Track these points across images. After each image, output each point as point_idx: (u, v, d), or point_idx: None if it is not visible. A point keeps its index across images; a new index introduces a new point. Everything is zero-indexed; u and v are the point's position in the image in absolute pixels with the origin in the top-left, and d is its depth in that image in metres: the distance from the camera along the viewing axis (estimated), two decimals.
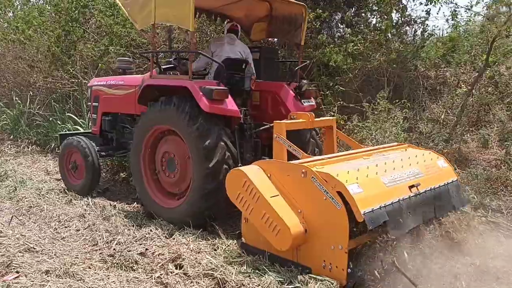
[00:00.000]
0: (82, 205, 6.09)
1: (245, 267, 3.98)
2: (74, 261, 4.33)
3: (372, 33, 8.30)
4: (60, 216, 5.67)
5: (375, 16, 9.21)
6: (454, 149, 7.05)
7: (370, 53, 8.26)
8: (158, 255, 4.36)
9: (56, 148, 9.15)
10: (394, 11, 8.45)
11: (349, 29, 8.95)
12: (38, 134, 10.42)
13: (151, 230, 4.99)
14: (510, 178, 6.19)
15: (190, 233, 4.86)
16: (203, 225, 5.07)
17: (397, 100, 7.45)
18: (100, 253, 4.58)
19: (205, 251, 4.43)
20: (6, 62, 12.05)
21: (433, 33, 8.84)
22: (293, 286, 3.67)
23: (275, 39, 8.38)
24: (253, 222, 4.07)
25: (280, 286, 3.70)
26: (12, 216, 5.60)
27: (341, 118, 7.53)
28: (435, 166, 4.71)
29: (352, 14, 8.92)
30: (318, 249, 3.80)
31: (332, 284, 3.61)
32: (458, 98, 7.95)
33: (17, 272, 4.06)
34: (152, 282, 3.93)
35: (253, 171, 4.12)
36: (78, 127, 9.17)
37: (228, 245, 4.58)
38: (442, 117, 7.79)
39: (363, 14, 9.14)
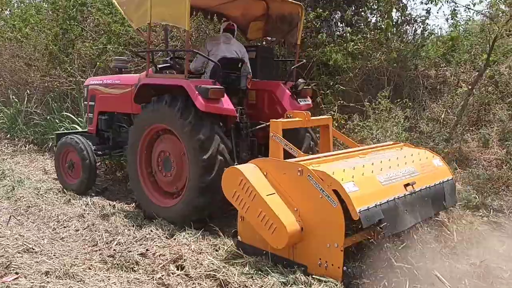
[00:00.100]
0: (81, 205, 6.03)
1: (247, 268, 3.95)
2: (74, 261, 4.29)
3: (373, 32, 8.27)
4: (59, 216, 5.62)
5: (375, 15, 9.19)
6: (454, 149, 7.04)
7: (370, 52, 8.23)
8: (159, 255, 4.31)
9: (54, 147, 9.07)
10: (394, 10, 8.42)
11: (349, 28, 8.93)
12: (35, 133, 10.34)
13: (151, 231, 4.94)
14: (511, 178, 6.17)
15: (191, 234, 4.82)
16: (201, 223, 5.06)
17: (398, 100, 7.43)
18: (100, 254, 4.53)
19: (207, 252, 4.39)
20: (3, 60, 11.96)
21: (433, 32, 8.82)
22: (296, 287, 3.64)
23: (273, 39, 8.37)
24: (249, 220, 4.09)
25: (283, 287, 3.67)
26: (10, 216, 5.55)
27: (341, 117, 7.50)
28: (430, 165, 4.75)
29: (352, 13, 8.88)
30: (314, 247, 3.82)
31: (336, 285, 3.59)
32: (458, 98, 7.94)
33: (17, 273, 4.00)
34: (154, 283, 3.88)
35: (249, 170, 4.13)
36: (76, 126, 9.10)
37: (230, 246, 4.53)
38: (442, 116, 7.78)
39: (362, 13, 9.11)
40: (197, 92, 4.95)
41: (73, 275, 3.97)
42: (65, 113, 9.75)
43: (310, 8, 8.80)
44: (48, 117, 10.12)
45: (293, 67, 6.15)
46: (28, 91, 11.06)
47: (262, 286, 3.68)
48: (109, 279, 3.96)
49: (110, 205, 6.04)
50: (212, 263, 4.05)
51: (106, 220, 5.46)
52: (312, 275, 3.71)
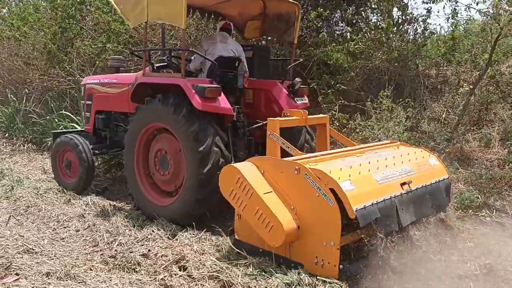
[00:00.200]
0: (81, 204, 5.98)
1: (251, 269, 3.91)
2: (75, 262, 4.24)
3: (373, 31, 8.24)
4: (59, 216, 5.57)
5: (375, 14, 9.16)
6: (456, 149, 7.02)
7: (371, 52, 8.20)
8: (161, 256, 4.26)
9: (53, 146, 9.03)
10: (396, 9, 8.40)
11: (349, 27, 8.90)
12: (34, 132, 10.27)
13: (153, 231, 4.90)
14: None
15: (193, 234, 4.78)
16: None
17: (400, 100, 7.41)
18: (101, 254, 4.48)
19: (209, 252, 4.35)
20: (1, 59, 11.90)
21: (434, 31, 8.81)
22: None
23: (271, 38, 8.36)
24: (246, 218, 4.10)
25: None
26: (10, 216, 5.49)
27: (343, 117, 7.47)
28: (426, 164, 4.77)
29: (352, 12, 8.85)
30: (310, 246, 3.83)
31: (341, 286, 3.56)
32: (459, 97, 7.93)
33: (17, 274, 3.96)
34: (156, 285, 3.84)
35: (247, 168, 4.14)
36: (75, 125, 9.06)
37: (232, 246, 4.49)
38: (443, 116, 7.77)
39: (363, 13, 9.09)
40: (194, 91, 4.97)
41: (74, 276, 3.92)
42: (64, 112, 9.70)
43: (310, 7, 8.77)
44: (48, 117, 10.04)
45: (289, 66, 6.17)
46: (27, 90, 10.99)
47: (266, 287, 3.64)
48: (110, 280, 3.92)
49: (110, 205, 6.00)
50: (215, 264, 4.01)
51: (106, 220, 5.41)
52: (317, 276, 3.68)
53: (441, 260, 4.11)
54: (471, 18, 9.10)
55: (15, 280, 3.85)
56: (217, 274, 3.85)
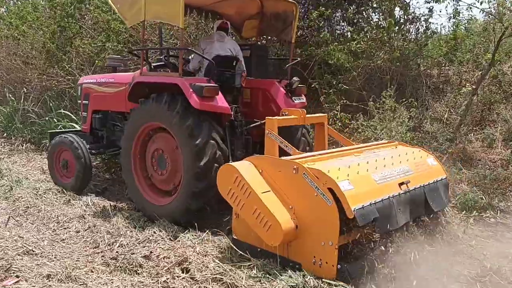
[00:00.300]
0: (81, 205, 5.92)
1: (255, 271, 3.86)
2: (76, 264, 4.18)
3: (375, 31, 8.20)
4: (58, 217, 5.49)
5: (377, 14, 9.11)
6: (459, 149, 6.98)
7: (373, 52, 8.16)
8: (163, 258, 4.19)
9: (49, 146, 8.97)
10: (398, 8, 8.35)
11: (350, 27, 8.85)
12: (33, 132, 10.18)
13: (154, 232, 4.84)
14: None
15: (195, 236, 4.72)
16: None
17: (403, 99, 7.37)
18: (102, 256, 4.42)
19: (212, 254, 4.29)
20: (0, 58, 11.80)
21: (436, 31, 8.77)
22: None
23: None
24: (244, 217, 4.09)
25: None
26: (9, 217, 5.42)
27: (345, 117, 7.42)
28: (424, 164, 4.78)
29: (353, 11, 8.80)
30: (308, 245, 3.83)
31: None
32: (461, 97, 7.90)
33: (17, 276, 3.89)
34: (158, 287, 3.78)
35: (245, 167, 4.13)
36: (74, 125, 8.98)
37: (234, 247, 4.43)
38: (446, 116, 7.73)
39: (364, 12, 9.04)
40: (191, 90, 4.95)
41: (75, 278, 3.86)
42: (63, 111, 9.62)
43: (312, 7, 8.72)
44: (47, 118, 9.95)
45: (287, 65, 6.15)
46: (25, 90, 10.91)
47: None
48: (112, 282, 3.86)
49: (110, 205, 5.94)
50: (218, 266, 3.96)
51: (107, 221, 5.35)
52: (323, 279, 3.64)
53: (444, 261, 4.07)
54: (473, 17, 9.09)
55: (16, 282, 3.79)
56: (221, 277, 3.80)
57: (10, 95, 11.09)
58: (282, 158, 4.22)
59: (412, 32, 8.79)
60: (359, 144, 5.49)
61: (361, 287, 3.70)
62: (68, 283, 3.80)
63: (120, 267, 4.14)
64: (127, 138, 5.70)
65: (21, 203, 5.97)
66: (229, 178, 4.10)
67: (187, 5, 5.44)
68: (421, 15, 8.56)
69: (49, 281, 3.82)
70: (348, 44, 8.04)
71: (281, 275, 3.74)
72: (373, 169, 4.15)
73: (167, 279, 3.86)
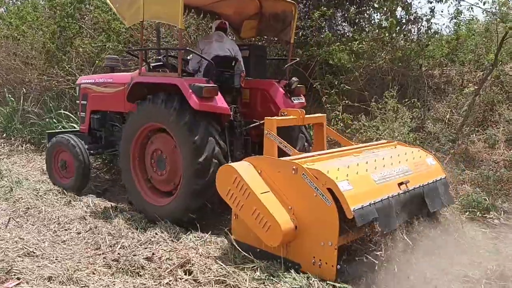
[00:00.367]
0: (82, 206, 5.87)
1: (258, 273, 3.82)
2: (77, 266, 4.13)
3: (377, 31, 8.17)
4: (59, 218, 5.44)
5: (378, 14, 9.09)
6: (461, 150, 6.96)
7: (374, 52, 8.13)
8: (166, 260, 4.16)
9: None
10: (400, 9, 8.33)
11: (351, 27, 8.82)
12: (32, 133, 10.13)
13: (156, 234, 4.80)
14: None
15: (197, 237, 4.69)
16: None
17: (406, 100, 7.34)
18: (104, 258, 4.36)
19: (215, 256, 4.26)
20: None
21: (438, 31, 8.74)
22: None
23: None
24: (243, 218, 4.08)
25: None
26: (10, 218, 5.37)
27: (347, 117, 7.39)
28: (424, 164, 4.78)
29: (355, 11, 8.77)
30: (308, 246, 3.82)
31: None
32: (462, 98, 7.87)
33: (18, 278, 3.84)
34: None
35: (244, 167, 4.12)
36: (74, 125, 8.94)
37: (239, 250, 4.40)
38: (447, 116, 7.71)
39: (365, 12, 9.01)
40: (191, 91, 4.93)
41: (77, 280, 3.82)
42: (63, 111, 9.58)
43: (312, 7, 8.69)
44: (47, 120, 9.90)
45: (286, 66, 6.14)
46: (25, 90, 10.86)
47: None
48: (114, 284, 3.82)
49: (111, 206, 5.90)
50: (221, 268, 3.93)
51: (108, 222, 5.30)
52: (327, 281, 3.61)
53: (447, 262, 4.04)
54: (474, 18, 9.06)
55: (17, 284, 3.74)
56: (224, 279, 3.77)
57: (10, 96, 11.03)
58: (281, 158, 4.21)
59: (414, 32, 8.77)
60: (358, 144, 5.47)
61: (361, 287, 3.69)
62: (69, 285, 3.76)
63: (122, 269, 4.09)
64: (125, 141, 5.67)
65: (22, 204, 5.92)
66: (228, 179, 4.10)
67: (185, 5, 5.42)
68: (423, 15, 8.54)
69: (51, 283, 3.78)
70: (350, 44, 8.01)
71: (285, 277, 3.71)
72: (373, 169, 4.15)
73: (169, 281, 3.83)
